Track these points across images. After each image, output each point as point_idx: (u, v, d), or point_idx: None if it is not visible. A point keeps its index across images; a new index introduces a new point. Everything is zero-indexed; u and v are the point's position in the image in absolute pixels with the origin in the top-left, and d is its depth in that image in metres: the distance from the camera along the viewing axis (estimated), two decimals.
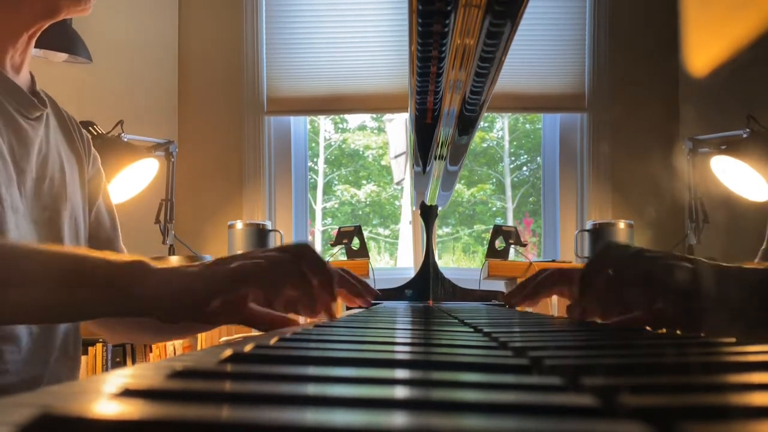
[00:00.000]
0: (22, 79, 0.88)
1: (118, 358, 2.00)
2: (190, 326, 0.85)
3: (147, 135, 2.27)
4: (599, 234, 2.26)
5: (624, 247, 0.64)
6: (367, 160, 4.12)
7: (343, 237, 2.20)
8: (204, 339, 2.10)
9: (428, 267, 1.57)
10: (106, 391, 0.21)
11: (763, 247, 0.96)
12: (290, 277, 0.62)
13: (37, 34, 0.87)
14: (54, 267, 0.60)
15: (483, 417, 0.17)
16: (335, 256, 2.24)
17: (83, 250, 0.78)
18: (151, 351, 2.06)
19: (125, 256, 0.63)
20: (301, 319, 0.74)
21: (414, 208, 1.96)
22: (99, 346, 1.96)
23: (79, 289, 0.60)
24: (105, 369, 1.97)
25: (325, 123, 3.88)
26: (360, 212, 4.06)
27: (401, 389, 0.23)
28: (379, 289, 1.66)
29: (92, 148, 1.02)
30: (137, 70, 2.58)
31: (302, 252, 0.64)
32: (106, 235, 0.99)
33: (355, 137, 4.12)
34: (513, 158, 4.03)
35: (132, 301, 0.60)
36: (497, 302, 1.39)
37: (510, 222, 3.83)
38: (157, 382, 0.21)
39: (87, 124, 1.92)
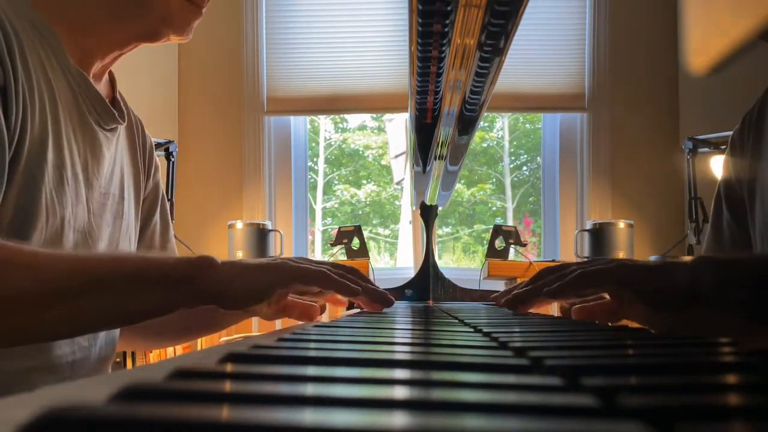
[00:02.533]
0: (101, 87, 0.87)
1: (118, 358, 2.00)
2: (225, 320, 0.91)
3: None
4: (599, 234, 2.26)
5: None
6: (367, 160, 4.12)
7: (343, 237, 2.20)
8: (204, 339, 2.10)
9: (428, 267, 1.57)
10: (106, 391, 0.21)
11: (709, 230, 0.98)
12: (343, 286, 0.73)
13: (127, 53, 0.86)
14: (130, 270, 0.65)
15: (483, 417, 0.17)
16: (335, 256, 2.24)
17: (155, 253, 0.84)
18: (150, 351, 2.06)
19: (193, 255, 0.68)
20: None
21: (414, 208, 1.96)
22: None
23: (159, 287, 0.65)
24: None
25: (325, 123, 3.88)
26: (360, 212, 4.06)
27: (401, 389, 0.23)
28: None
29: (154, 155, 1.00)
30: (137, 70, 2.58)
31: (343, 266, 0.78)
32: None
33: (355, 137, 4.12)
34: (513, 158, 4.03)
35: (204, 294, 0.66)
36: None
37: (510, 222, 3.83)
38: (157, 382, 0.21)
39: None
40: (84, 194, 0.80)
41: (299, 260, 0.73)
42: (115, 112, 0.86)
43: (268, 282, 0.68)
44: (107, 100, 0.86)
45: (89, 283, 0.63)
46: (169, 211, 1.03)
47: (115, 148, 0.88)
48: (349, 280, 0.74)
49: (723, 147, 2.08)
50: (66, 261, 0.63)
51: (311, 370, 0.26)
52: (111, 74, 0.91)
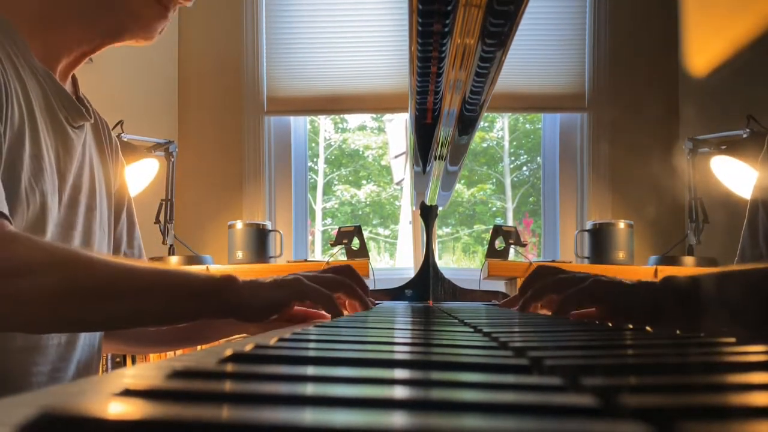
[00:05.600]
0: (66, 87, 0.89)
1: (118, 358, 2.00)
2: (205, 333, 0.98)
3: (147, 135, 2.27)
4: (599, 234, 2.26)
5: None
6: (367, 160, 4.12)
7: (343, 237, 2.20)
8: None
9: (428, 267, 1.57)
10: (106, 391, 0.21)
11: (737, 257, 1.01)
12: (345, 290, 0.83)
13: (92, 54, 0.89)
14: (169, 280, 0.73)
15: (483, 417, 0.17)
16: (335, 257, 2.24)
17: (183, 267, 0.88)
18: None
19: (218, 272, 0.78)
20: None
21: (414, 208, 1.96)
22: None
23: (188, 299, 0.73)
24: (105, 369, 1.97)
25: (325, 123, 3.88)
26: (360, 212, 4.05)
27: (401, 389, 0.23)
28: (379, 290, 1.67)
29: (120, 154, 1.03)
30: (137, 70, 2.58)
31: (350, 272, 0.86)
32: (124, 252, 1.01)
33: (355, 137, 4.12)
34: (513, 158, 4.02)
35: (226, 308, 0.74)
36: (497, 302, 1.39)
37: (510, 222, 3.83)
38: (157, 382, 0.21)
39: None
40: (57, 186, 0.82)
41: (311, 278, 0.81)
42: (82, 109, 0.88)
43: (284, 297, 0.76)
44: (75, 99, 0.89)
45: (134, 286, 0.70)
46: (134, 212, 1.06)
47: (83, 145, 0.90)
48: (350, 293, 0.83)
49: (723, 147, 2.07)
50: (116, 265, 0.71)
51: (311, 370, 0.26)
52: (74, 76, 0.93)
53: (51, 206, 0.79)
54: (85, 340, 0.87)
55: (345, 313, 0.85)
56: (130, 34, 0.86)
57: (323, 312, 0.82)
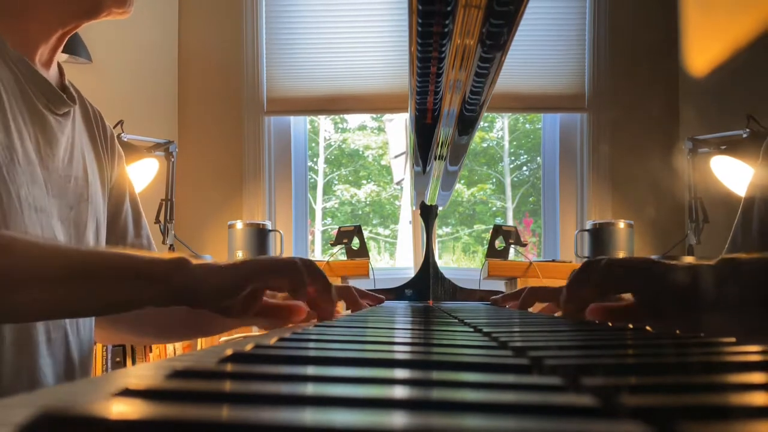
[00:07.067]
0: (50, 75, 0.87)
1: (118, 358, 2.00)
2: (201, 326, 0.91)
3: (147, 135, 2.27)
4: (599, 234, 2.26)
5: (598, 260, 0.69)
6: (367, 160, 4.12)
7: (343, 237, 2.20)
8: (204, 339, 2.10)
9: (428, 267, 1.57)
10: (106, 391, 0.21)
11: (727, 246, 0.98)
12: (313, 274, 0.71)
13: (71, 34, 0.86)
14: (106, 264, 0.68)
15: (483, 417, 0.17)
16: (335, 256, 2.24)
17: (131, 249, 0.86)
18: (151, 351, 2.06)
19: (167, 254, 0.70)
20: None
21: (414, 208, 1.96)
22: (99, 346, 1.96)
23: (132, 283, 0.67)
24: (105, 369, 1.97)
25: (325, 123, 3.88)
26: (360, 212, 4.05)
27: (401, 389, 0.23)
28: (378, 289, 1.67)
29: (116, 144, 1.00)
30: (137, 70, 2.58)
31: (311, 264, 0.74)
32: (131, 242, 0.99)
33: (355, 137, 4.11)
34: (513, 158, 4.02)
35: (177, 293, 0.67)
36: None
37: (510, 222, 3.83)
38: (157, 382, 0.21)
39: None
40: (40, 176, 0.80)
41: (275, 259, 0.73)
42: (63, 95, 0.86)
43: (240, 277, 0.67)
44: (57, 87, 0.86)
45: (65, 271, 0.65)
46: (139, 201, 1.03)
47: (71, 133, 0.88)
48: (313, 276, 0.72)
49: (723, 147, 2.07)
50: (43, 248, 0.66)
51: (311, 370, 0.26)
52: (60, 65, 0.91)
53: (28, 196, 0.77)
54: (77, 336, 0.86)
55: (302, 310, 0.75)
56: (105, 11, 0.84)
57: (297, 303, 0.73)
